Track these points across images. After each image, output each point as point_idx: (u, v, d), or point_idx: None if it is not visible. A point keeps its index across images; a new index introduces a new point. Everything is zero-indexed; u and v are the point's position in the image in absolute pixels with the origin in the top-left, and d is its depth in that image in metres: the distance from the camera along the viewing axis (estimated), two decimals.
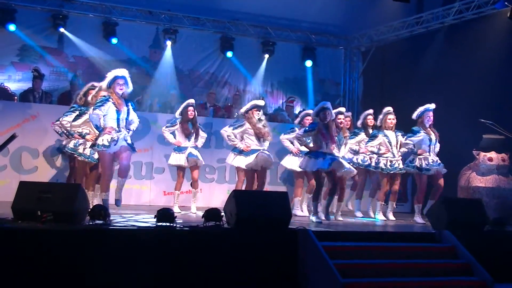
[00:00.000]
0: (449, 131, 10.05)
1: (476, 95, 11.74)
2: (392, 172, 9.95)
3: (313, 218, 8.68)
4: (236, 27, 14.74)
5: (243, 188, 9.69)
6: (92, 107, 7.86)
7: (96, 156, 8.55)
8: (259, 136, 9.65)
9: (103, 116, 7.72)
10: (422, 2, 14.16)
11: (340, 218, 9.47)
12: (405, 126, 10.09)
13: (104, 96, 7.84)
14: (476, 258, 7.10)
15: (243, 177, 9.81)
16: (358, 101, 15.93)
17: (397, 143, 9.98)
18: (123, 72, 7.90)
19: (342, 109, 9.94)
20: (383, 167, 9.99)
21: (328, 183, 9.02)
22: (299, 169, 9.77)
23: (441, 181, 9.70)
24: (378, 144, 10.05)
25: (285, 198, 7.22)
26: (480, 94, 11.74)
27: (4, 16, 12.74)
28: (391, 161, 9.95)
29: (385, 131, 10.06)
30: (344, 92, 16.07)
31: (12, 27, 12.78)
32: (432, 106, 9.74)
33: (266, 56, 15.11)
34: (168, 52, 14.31)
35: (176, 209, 9.51)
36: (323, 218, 8.86)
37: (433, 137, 9.70)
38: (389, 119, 10.06)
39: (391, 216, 10.07)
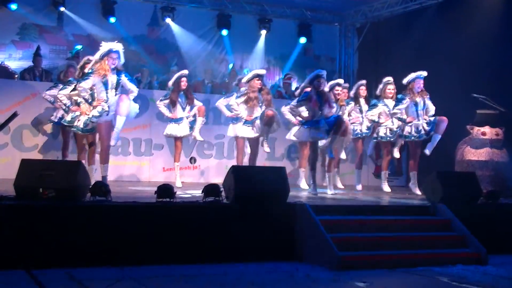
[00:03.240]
0: (443, 106, 10.11)
1: (469, 71, 11.79)
2: (393, 140, 10.06)
3: (309, 190, 8.79)
4: (233, 4, 14.77)
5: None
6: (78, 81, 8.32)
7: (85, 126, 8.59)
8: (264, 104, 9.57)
9: (92, 88, 8.11)
10: None
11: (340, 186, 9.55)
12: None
13: (91, 70, 8.20)
14: (470, 230, 7.20)
15: (242, 148, 9.79)
16: (354, 76, 16.00)
17: None
18: (117, 46, 8.18)
19: (341, 81, 10.07)
20: (383, 135, 10.12)
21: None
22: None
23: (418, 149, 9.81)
24: (378, 113, 10.17)
25: (283, 173, 7.29)
26: (473, 69, 11.79)
27: None
28: (390, 129, 10.05)
29: (385, 100, 10.17)
30: (339, 68, 16.14)
31: (14, 6, 12.84)
32: (424, 73, 9.81)
33: (264, 32, 15.14)
34: (168, 29, 14.36)
35: (178, 183, 9.65)
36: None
37: (420, 102, 9.75)
38: (389, 89, 10.18)
39: (386, 187, 10.19)
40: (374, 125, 10.37)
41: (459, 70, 12.00)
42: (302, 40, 15.60)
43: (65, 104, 9.13)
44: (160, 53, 14.52)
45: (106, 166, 8.36)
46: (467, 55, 12.03)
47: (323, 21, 16.00)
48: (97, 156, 8.82)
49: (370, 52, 15.57)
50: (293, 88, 14.72)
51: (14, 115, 7.64)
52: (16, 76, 12.16)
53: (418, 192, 9.76)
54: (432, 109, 9.85)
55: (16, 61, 13.08)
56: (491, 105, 10.34)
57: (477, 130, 10.57)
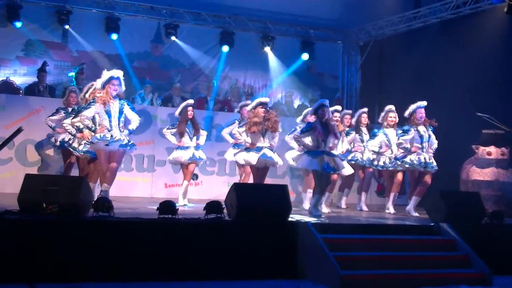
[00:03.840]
0: (447, 126, 10.14)
1: (473, 89, 11.82)
2: (391, 169, 10.08)
3: (312, 211, 8.77)
4: (236, 22, 14.84)
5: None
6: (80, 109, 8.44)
7: (81, 148, 8.89)
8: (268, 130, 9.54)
9: (94, 116, 8.21)
10: None
11: (326, 210, 9.57)
12: (403, 119, 10.22)
13: (94, 98, 8.29)
14: (474, 250, 7.17)
15: (248, 171, 9.74)
16: (356, 94, 16.04)
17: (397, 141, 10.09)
18: (118, 73, 8.25)
19: (338, 107, 10.06)
20: (382, 164, 10.15)
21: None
22: None
23: (428, 178, 9.79)
24: (379, 142, 10.17)
25: (285, 191, 7.29)
26: (477, 87, 11.82)
27: (10, 12, 12.94)
28: (390, 159, 10.07)
29: (385, 129, 10.17)
30: (342, 86, 16.17)
31: (18, 24, 12.96)
32: (423, 103, 9.81)
33: (268, 48, 15.21)
34: (171, 46, 14.46)
35: (180, 201, 9.64)
36: (323, 211, 9.04)
37: (425, 134, 9.80)
38: (390, 117, 10.15)
39: (391, 208, 10.20)
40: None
41: (463, 88, 12.02)
42: (305, 56, 15.62)
43: (70, 133, 9.23)
44: (163, 69, 14.58)
45: (107, 186, 8.34)
46: (470, 74, 12.06)
47: (326, 39, 16.06)
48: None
49: (373, 70, 15.61)
50: (295, 105, 14.77)
51: (19, 130, 7.68)
52: (21, 91, 12.20)
53: (416, 214, 9.78)
54: (435, 142, 9.88)
55: (21, 77, 13.16)
56: (495, 124, 10.32)
57: (482, 150, 10.54)
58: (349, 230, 7.40)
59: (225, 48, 14.84)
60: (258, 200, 7.00)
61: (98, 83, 8.29)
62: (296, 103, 15.23)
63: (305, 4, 14.87)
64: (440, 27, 13.40)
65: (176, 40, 14.45)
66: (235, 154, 9.79)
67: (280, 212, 7.09)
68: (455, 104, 11.63)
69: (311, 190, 9.88)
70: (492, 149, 10.50)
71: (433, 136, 9.88)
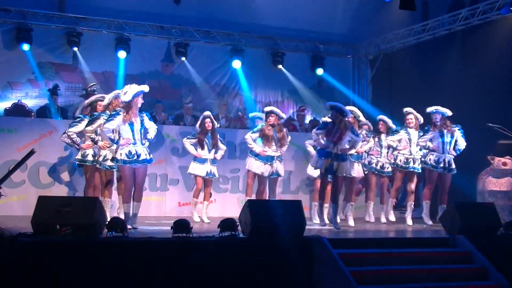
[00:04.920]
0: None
1: (484, 100, 11.79)
2: (406, 170, 10.09)
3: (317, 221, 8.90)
4: (246, 39, 14.90)
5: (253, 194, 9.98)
6: (102, 115, 8.32)
7: (107, 163, 8.68)
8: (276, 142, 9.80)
9: (117, 128, 8.06)
10: (428, 9, 14.27)
11: (351, 223, 9.59)
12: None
13: (116, 110, 8.14)
14: (491, 262, 7.10)
15: (252, 182, 9.96)
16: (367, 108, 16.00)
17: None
18: (146, 87, 8.17)
19: (353, 108, 10.20)
20: (399, 162, 10.18)
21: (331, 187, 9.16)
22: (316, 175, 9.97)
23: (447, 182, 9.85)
24: (398, 139, 10.19)
25: (299, 206, 7.28)
26: (488, 99, 11.79)
27: (20, 35, 13.07)
28: (407, 159, 10.06)
29: (407, 129, 10.23)
30: (353, 100, 16.14)
31: (25, 47, 13.05)
32: (435, 108, 9.97)
33: (280, 66, 15.26)
34: (182, 65, 14.53)
35: (195, 218, 9.78)
36: (327, 222, 9.13)
37: (447, 134, 9.83)
38: (408, 119, 10.28)
39: (409, 220, 10.14)
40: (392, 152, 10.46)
41: (473, 99, 11.99)
42: (320, 71, 15.67)
43: (74, 141, 9.12)
44: (174, 88, 14.64)
45: (129, 206, 8.28)
46: (481, 84, 12.04)
47: (336, 54, 16.07)
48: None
49: (384, 83, 15.60)
50: (307, 121, 14.76)
51: (31, 152, 7.72)
52: (33, 114, 12.28)
53: (430, 222, 9.78)
54: (461, 143, 9.91)
55: (32, 99, 13.26)
56: (506, 134, 10.29)
57: (498, 161, 10.54)
58: (364, 245, 7.37)
59: (237, 64, 14.88)
60: (272, 217, 6.97)
61: (127, 96, 8.02)
62: (308, 118, 15.22)
63: (314, 20, 14.95)
64: (449, 39, 13.38)
65: (186, 61, 14.51)
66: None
67: (294, 228, 7.06)
68: (466, 115, 11.56)
69: (316, 203, 9.98)
70: (507, 159, 10.50)
71: (459, 138, 9.90)
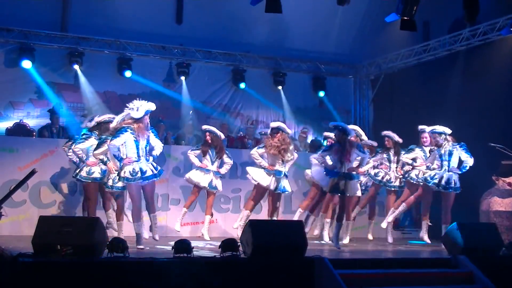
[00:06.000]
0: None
1: (485, 120, 11.80)
2: (421, 183, 10.03)
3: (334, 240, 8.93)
4: (247, 59, 14.97)
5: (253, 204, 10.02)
6: (110, 138, 8.19)
7: (119, 184, 8.71)
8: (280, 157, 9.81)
9: (123, 145, 8.05)
10: (429, 29, 14.36)
11: (346, 241, 9.59)
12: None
13: (123, 127, 8.07)
14: (493, 282, 7.09)
15: (257, 196, 10.00)
16: (369, 128, 16.03)
17: None
18: (153, 106, 8.26)
19: (355, 127, 10.23)
20: (413, 176, 10.20)
21: (338, 207, 9.18)
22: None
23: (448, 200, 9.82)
24: (413, 158, 10.23)
25: (301, 226, 7.29)
26: (489, 119, 11.80)
27: (23, 55, 13.15)
28: (424, 173, 10.02)
29: (423, 147, 10.28)
30: (355, 120, 16.17)
31: (27, 64, 13.08)
32: (423, 127, 10.14)
33: (280, 87, 15.30)
34: (182, 86, 14.57)
35: (177, 227, 9.92)
36: (327, 240, 9.10)
37: (445, 152, 9.75)
38: (422, 137, 10.32)
39: (426, 238, 10.08)
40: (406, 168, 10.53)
41: (475, 119, 12.01)
42: (321, 93, 15.75)
43: (80, 158, 9.14)
44: (176, 108, 14.67)
45: (140, 224, 8.28)
46: (482, 104, 12.06)
47: (338, 74, 16.14)
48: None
49: (385, 103, 15.64)
50: (308, 140, 14.78)
51: (32, 172, 7.71)
52: (34, 133, 12.31)
53: (428, 240, 9.85)
54: (467, 160, 9.74)
55: (34, 119, 13.31)
56: (508, 153, 10.28)
57: (502, 181, 10.53)
58: (366, 265, 7.34)
59: (242, 85, 15.01)
60: (273, 237, 6.98)
61: (139, 113, 8.06)
62: (309, 138, 15.24)
63: (315, 40, 15.05)
64: (450, 59, 13.43)
65: (185, 82, 14.55)
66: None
67: (296, 248, 7.05)
68: (468, 135, 11.57)
69: (301, 210, 10.09)
70: None
71: (462, 154, 9.78)
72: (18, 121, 12.80)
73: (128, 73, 13.99)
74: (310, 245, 7.48)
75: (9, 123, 12.82)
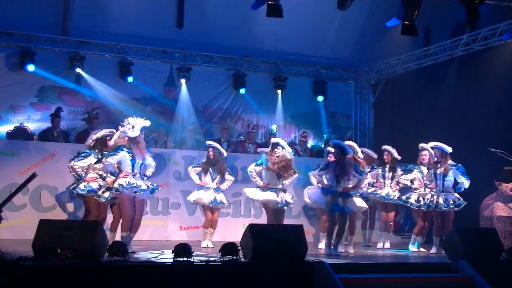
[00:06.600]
0: (462, 162, 10.07)
1: (485, 125, 11.80)
2: (424, 209, 9.92)
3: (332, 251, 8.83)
4: (248, 63, 14.97)
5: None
6: (106, 155, 8.28)
7: (106, 194, 8.69)
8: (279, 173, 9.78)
9: (118, 163, 8.19)
10: (429, 34, 14.37)
11: (351, 251, 9.54)
12: (414, 156, 10.29)
13: (120, 145, 8.23)
14: (493, 287, 7.08)
15: (269, 216, 9.95)
16: (370, 133, 16.03)
17: None
18: (148, 122, 8.30)
19: (352, 143, 10.15)
20: (413, 202, 10.02)
21: (337, 223, 9.11)
22: None
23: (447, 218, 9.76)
24: (412, 179, 10.14)
25: (301, 231, 7.28)
26: (490, 123, 11.81)
27: (24, 59, 13.14)
28: (423, 198, 9.93)
29: (421, 166, 10.15)
30: (355, 124, 16.18)
31: (31, 67, 13.12)
32: (424, 145, 10.00)
33: (279, 92, 15.31)
34: (183, 90, 14.58)
35: (203, 244, 9.87)
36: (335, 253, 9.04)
37: (440, 173, 9.70)
38: (422, 155, 10.15)
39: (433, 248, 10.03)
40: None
41: (475, 124, 12.01)
42: (320, 98, 15.73)
43: (79, 175, 9.10)
44: (176, 112, 14.66)
45: (129, 233, 8.27)
46: (482, 109, 12.07)
47: (338, 79, 16.13)
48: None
49: (386, 108, 15.65)
50: (309, 145, 14.78)
51: (33, 176, 7.68)
52: (35, 137, 12.31)
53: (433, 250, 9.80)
54: (462, 182, 9.70)
55: (34, 123, 13.30)
56: (508, 159, 10.28)
57: (505, 186, 10.52)
58: (366, 270, 7.33)
59: (242, 91, 14.99)
60: (273, 241, 6.97)
61: (134, 132, 8.14)
62: (310, 143, 15.24)
63: (316, 45, 15.07)
64: (450, 64, 13.45)
65: (186, 86, 14.57)
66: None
67: (296, 253, 7.06)
68: (468, 140, 11.61)
69: (323, 233, 10.01)
70: None
71: (457, 176, 9.72)
72: (19, 124, 12.80)
73: (130, 79, 13.98)
74: (310, 250, 7.48)
75: (9, 127, 12.82)
